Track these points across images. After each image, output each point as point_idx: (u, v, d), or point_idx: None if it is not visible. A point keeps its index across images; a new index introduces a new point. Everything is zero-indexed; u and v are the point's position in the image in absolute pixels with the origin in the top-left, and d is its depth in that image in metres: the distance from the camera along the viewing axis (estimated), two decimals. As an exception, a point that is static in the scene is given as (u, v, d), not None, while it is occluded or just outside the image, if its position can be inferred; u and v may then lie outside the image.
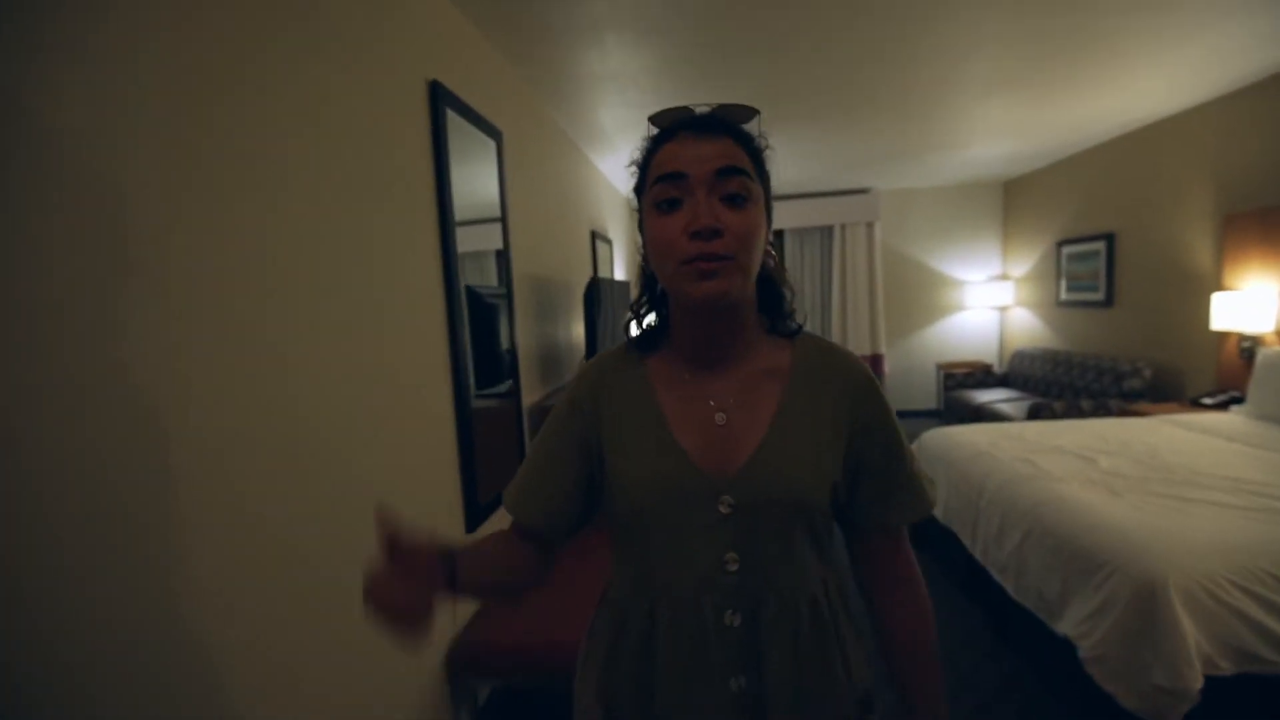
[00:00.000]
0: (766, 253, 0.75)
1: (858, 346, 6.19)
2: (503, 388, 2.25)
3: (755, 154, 0.73)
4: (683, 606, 0.74)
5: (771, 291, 0.80)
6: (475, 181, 2.11)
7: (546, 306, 2.95)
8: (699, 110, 0.73)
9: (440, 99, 1.81)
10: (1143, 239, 4.28)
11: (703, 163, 0.67)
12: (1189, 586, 1.58)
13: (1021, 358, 5.42)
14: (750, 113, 0.74)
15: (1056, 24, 2.48)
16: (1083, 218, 4.94)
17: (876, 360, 6.21)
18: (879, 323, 6.19)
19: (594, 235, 4.19)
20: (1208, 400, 3.43)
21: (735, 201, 0.68)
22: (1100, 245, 4.69)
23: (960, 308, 6.27)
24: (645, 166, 0.74)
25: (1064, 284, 5.19)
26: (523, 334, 2.52)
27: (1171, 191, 3.97)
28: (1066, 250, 5.13)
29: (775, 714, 0.72)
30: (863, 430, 0.76)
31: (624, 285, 3.74)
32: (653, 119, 0.75)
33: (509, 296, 2.37)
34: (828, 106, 3.50)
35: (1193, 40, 2.77)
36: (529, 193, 2.78)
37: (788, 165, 4.80)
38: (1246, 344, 3.38)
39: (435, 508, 1.76)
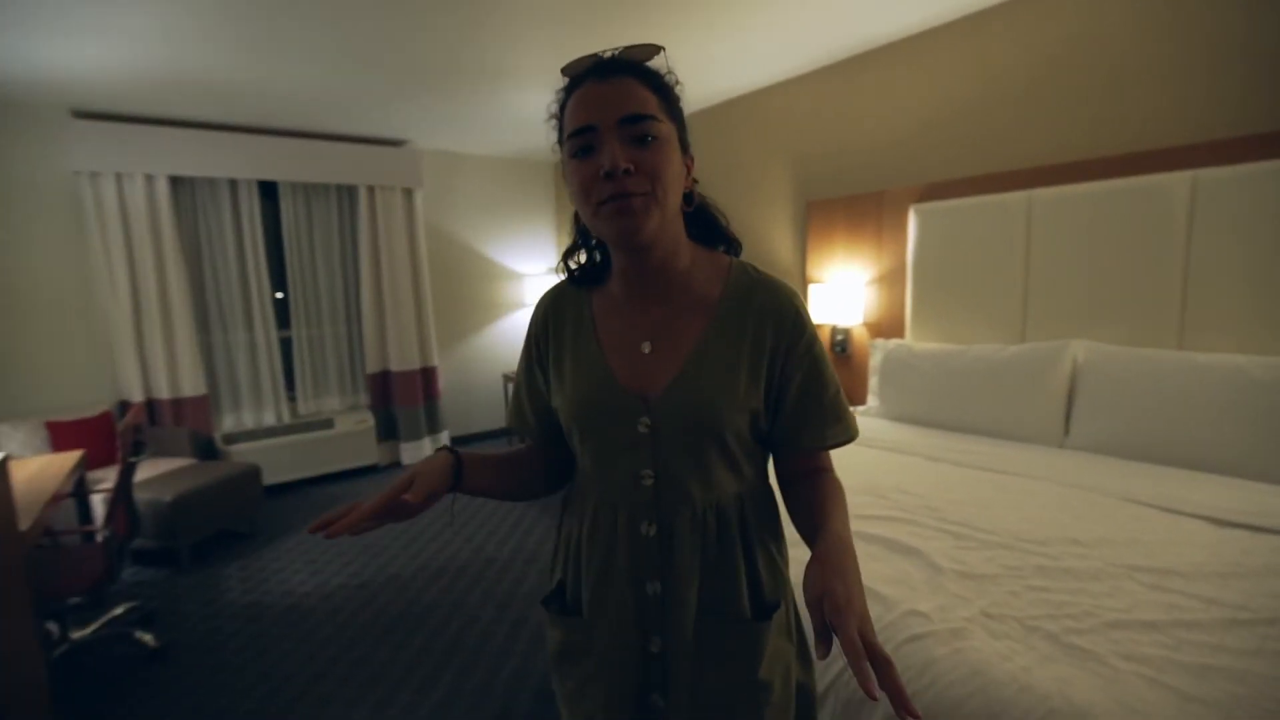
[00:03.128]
0: (689, 187, 0.80)
1: (402, 358, 4.47)
2: None
3: (663, 90, 0.75)
4: (606, 515, 0.81)
5: (705, 220, 0.84)
6: None
7: None
8: (605, 55, 0.73)
9: None
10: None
11: (609, 109, 0.70)
12: None
13: (594, 361, 4.73)
14: (653, 50, 0.75)
15: None
16: (648, 204, 4.47)
17: (428, 375, 4.63)
18: (428, 326, 4.61)
19: None
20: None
21: (643, 142, 0.70)
22: (670, 234, 4.27)
23: (520, 304, 5.26)
24: (561, 116, 0.77)
25: (631, 277, 4.68)
26: None
27: (751, 174, 3.68)
28: (632, 240, 4.62)
29: (677, 614, 0.77)
30: (784, 358, 0.78)
31: None
32: (564, 70, 0.76)
33: None
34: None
35: (774, 8, 2.48)
36: None
37: (292, 72, 2.75)
38: (840, 338, 3.21)
39: None
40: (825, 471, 0.82)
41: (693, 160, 0.80)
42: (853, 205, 3.11)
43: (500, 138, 4.47)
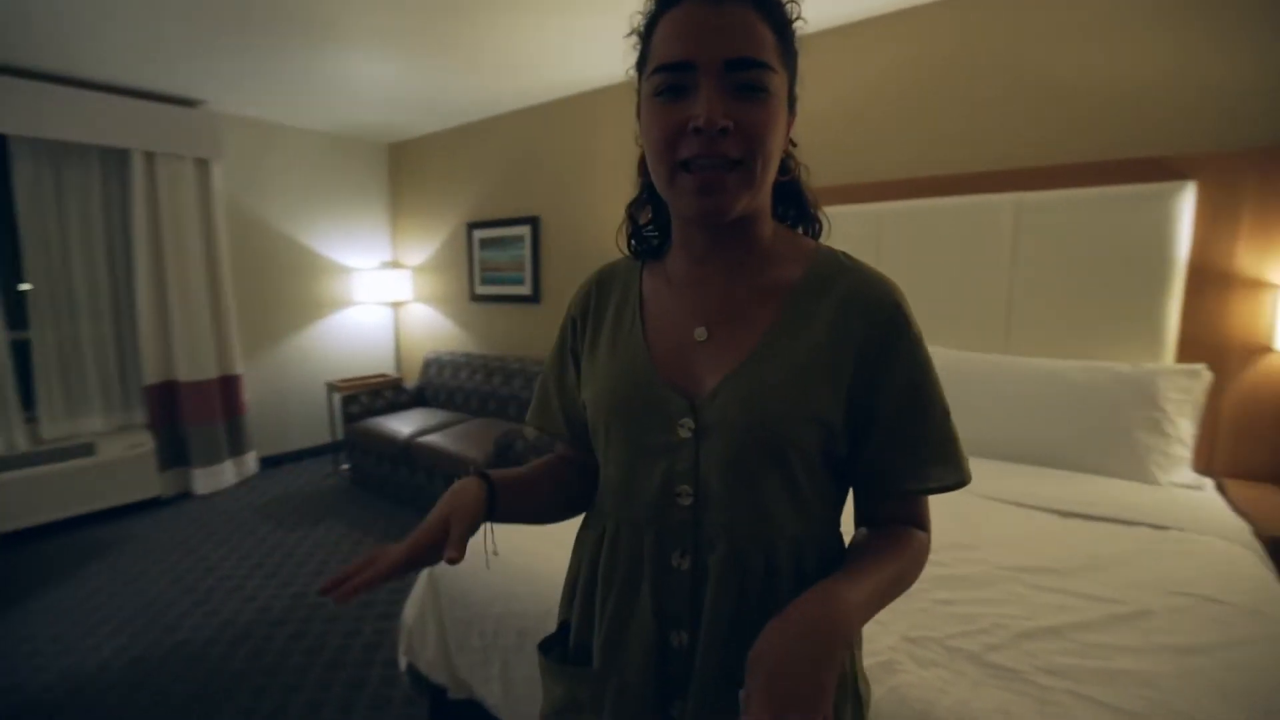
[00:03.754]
0: (787, 152, 0.66)
1: (194, 365, 3.69)
2: None
3: (781, 28, 0.59)
4: (630, 540, 0.66)
5: (793, 194, 0.70)
6: None
7: None
8: None
9: None
10: (576, 225, 3.75)
11: (714, 46, 0.55)
12: None
13: (437, 366, 4.30)
14: None
15: None
16: (500, 197, 4.15)
17: (229, 386, 3.88)
18: (229, 326, 3.86)
19: None
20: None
21: (749, 93, 0.56)
22: (524, 230, 4.00)
23: (348, 303, 4.64)
24: (646, 39, 0.61)
25: (479, 275, 4.32)
26: None
27: (617, 173, 3.53)
28: (480, 235, 4.27)
29: (702, 675, 0.61)
30: (877, 367, 0.61)
31: None
32: None
33: None
34: None
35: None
36: None
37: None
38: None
39: None
40: (912, 527, 0.64)
41: (794, 118, 0.64)
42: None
43: (326, 109, 3.88)
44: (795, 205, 0.71)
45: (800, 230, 0.71)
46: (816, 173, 0.70)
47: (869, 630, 1.12)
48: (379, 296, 4.54)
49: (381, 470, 3.70)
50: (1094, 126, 2.20)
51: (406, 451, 3.47)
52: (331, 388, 4.20)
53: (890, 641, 1.07)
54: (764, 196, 0.63)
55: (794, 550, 0.62)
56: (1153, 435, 1.88)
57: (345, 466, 4.13)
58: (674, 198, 0.61)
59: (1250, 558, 1.39)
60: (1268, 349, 1.97)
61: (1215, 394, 1.99)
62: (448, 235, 4.51)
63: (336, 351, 4.59)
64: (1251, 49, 1.95)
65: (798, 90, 0.64)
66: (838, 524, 0.68)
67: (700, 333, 0.65)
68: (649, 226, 0.73)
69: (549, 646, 0.74)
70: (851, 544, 0.65)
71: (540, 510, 0.74)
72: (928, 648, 1.05)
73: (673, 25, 0.57)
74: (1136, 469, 1.87)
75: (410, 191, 4.76)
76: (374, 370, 4.78)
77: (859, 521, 0.68)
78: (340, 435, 4.21)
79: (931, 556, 1.39)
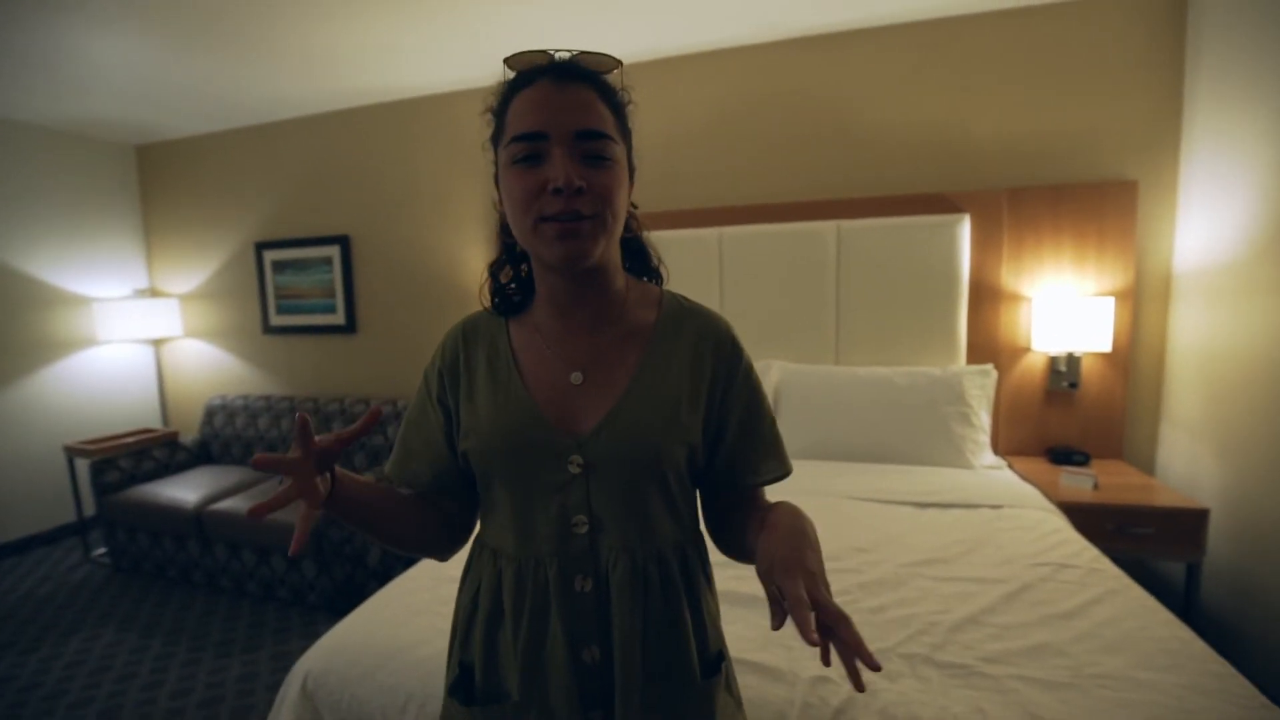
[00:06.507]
0: (630, 214, 0.75)
1: None
2: None
3: (617, 109, 0.70)
4: (531, 571, 0.71)
5: (637, 249, 0.80)
6: None
7: None
8: (559, 56, 0.67)
9: None
10: (396, 245, 3.40)
11: (564, 119, 0.64)
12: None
13: (225, 414, 3.59)
14: (613, 63, 0.70)
15: None
16: (298, 213, 3.61)
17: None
18: (-102, 382, 2.81)
19: None
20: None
21: (596, 162, 0.65)
22: (331, 251, 3.52)
23: (91, 341, 3.67)
24: (501, 114, 0.69)
25: (274, 302, 3.71)
26: None
27: (438, 186, 3.26)
28: (273, 256, 3.67)
29: (623, 683, 0.68)
30: (723, 390, 0.74)
31: None
32: (509, 61, 0.69)
33: None
34: None
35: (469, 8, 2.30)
36: None
37: None
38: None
39: None
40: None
41: (633, 184, 0.73)
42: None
43: (50, 97, 3.03)
44: (639, 259, 0.80)
45: (645, 280, 0.81)
46: (660, 196, 0.72)
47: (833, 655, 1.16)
48: (134, 333, 3.65)
49: (159, 551, 2.97)
50: (894, 164, 2.57)
51: (197, 524, 2.82)
52: (72, 452, 3.27)
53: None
54: (615, 251, 0.72)
55: (678, 554, 0.73)
56: (963, 426, 2.23)
57: (101, 551, 3.25)
58: (537, 246, 0.66)
59: (1061, 521, 1.72)
60: (1027, 349, 2.47)
61: (997, 388, 2.44)
62: (228, 257, 3.81)
63: (76, 405, 3.60)
64: (999, 109, 2.44)
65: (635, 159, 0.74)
66: (698, 523, 0.79)
67: (576, 377, 0.72)
68: (510, 285, 0.79)
69: (456, 691, 0.75)
70: (750, 518, 0.73)
71: (390, 523, 0.74)
72: (888, 659, 1.11)
73: (526, 102, 0.65)
74: (955, 456, 2.21)
75: (171, 205, 3.92)
76: (133, 424, 3.84)
77: (712, 519, 0.80)
78: (91, 511, 3.29)
79: (841, 561, 1.50)
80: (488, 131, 0.73)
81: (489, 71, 2.91)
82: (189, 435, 3.72)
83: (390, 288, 3.44)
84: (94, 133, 3.65)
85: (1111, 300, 2.26)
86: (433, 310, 3.34)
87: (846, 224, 2.54)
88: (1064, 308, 2.27)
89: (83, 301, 3.63)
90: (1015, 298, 2.46)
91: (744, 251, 2.68)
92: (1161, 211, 2.31)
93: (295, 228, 3.61)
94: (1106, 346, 2.24)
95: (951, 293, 2.44)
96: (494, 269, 0.79)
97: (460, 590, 0.79)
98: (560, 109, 0.64)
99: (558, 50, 0.68)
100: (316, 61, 2.73)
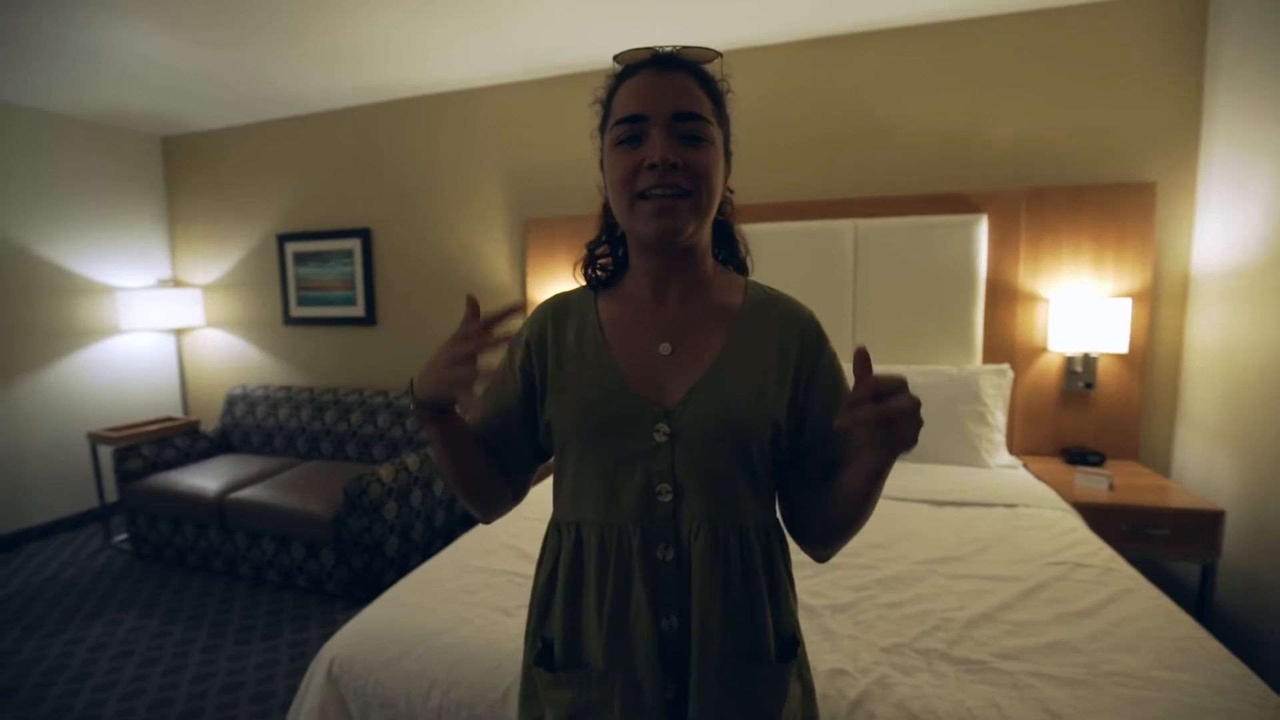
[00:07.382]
0: (725, 198, 0.79)
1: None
2: None
3: (716, 96, 0.74)
4: (615, 539, 0.72)
5: (728, 237, 0.84)
6: None
7: None
8: (662, 50, 0.72)
9: None
10: (416, 239, 3.44)
11: (661, 103, 0.68)
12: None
13: (245, 403, 3.65)
14: (712, 54, 0.74)
15: None
16: (320, 205, 3.66)
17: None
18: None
19: None
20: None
21: (693, 142, 0.69)
22: (352, 244, 3.57)
23: (115, 329, 3.74)
24: (608, 104, 0.75)
25: (295, 294, 3.76)
26: None
27: (461, 184, 3.29)
28: (295, 248, 3.72)
29: (700, 654, 0.69)
30: (809, 375, 0.75)
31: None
32: (618, 58, 0.75)
33: None
34: None
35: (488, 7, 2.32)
36: None
37: None
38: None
39: None
40: None
41: (730, 170, 0.78)
42: (575, 226, 3.05)
43: (78, 87, 3.09)
44: (728, 246, 0.84)
45: (730, 268, 0.84)
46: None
47: (851, 649, 1.18)
48: (156, 322, 3.71)
49: (180, 538, 3.03)
50: (912, 164, 2.57)
51: (218, 512, 2.88)
52: (96, 439, 3.34)
53: (873, 656, 1.13)
54: (707, 233, 0.75)
55: (758, 531, 0.73)
56: (979, 426, 2.24)
57: (122, 537, 3.31)
58: (633, 223, 0.71)
59: (1077, 522, 1.73)
60: (1043, 349, 2.47)
61: (1013, 388, 2.44)
62: (250, 249, 3.86)
63: (100, 393, 3.67)
64: (1018, 110, 2.43)
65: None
66: (775, 507, 0.80)
67: (665, 348, 0.74)
68: (602, 262, 0.83)
69: (543, 660, 0.76)
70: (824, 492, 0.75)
71: (483, 466, 0.78)
72: (904, 655, 1.13)
73: (630, 90, 0.71)
74: (971, 456, 2.22)
75: (195, 196, 3.98)
76: (154, 413, 3.91)
77: (790, 511, 0.80)
78: (113, 498, 3.36)
79: (859, 558, 1.52)
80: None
81: (511, 68, 2.94)
82: (210, 424, 3.78)
83: (410, 281, 3.48)
84: (121, 124, 3.71)
85: (1129, 301, 2.26)
86: (452, 304, 3.38)
87: (864, 223, 2.55)
88: (1081, 308, 2.27)
89: (107, 290, 3.70)
90: (1032, 298, 2.46)
91: (762, 249, 2.61)
92: (1180, 213, 2.30)
93: (317, 220, 3.66)
94: (1123, 347, 2.24)
95: (968, 292, 2.45)
96: (592, 245, 0.83)
97: (537, 571, 0.80)
98: (660, 93, 0.69)
99: (663, 46, 0.73)
100: (341, 56, 2.76)
